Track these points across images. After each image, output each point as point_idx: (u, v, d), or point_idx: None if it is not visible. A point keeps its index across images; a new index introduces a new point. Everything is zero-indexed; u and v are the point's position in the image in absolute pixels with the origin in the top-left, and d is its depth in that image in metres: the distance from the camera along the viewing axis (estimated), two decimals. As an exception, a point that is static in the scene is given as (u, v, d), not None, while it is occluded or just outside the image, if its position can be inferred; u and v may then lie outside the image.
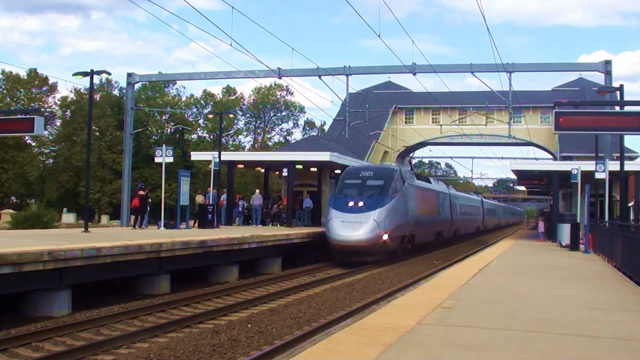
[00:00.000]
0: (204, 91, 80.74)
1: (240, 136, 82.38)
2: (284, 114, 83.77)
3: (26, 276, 12.09)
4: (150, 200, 26.76)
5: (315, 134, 77.46)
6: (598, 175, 24.54)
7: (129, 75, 38.81)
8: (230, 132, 78.94)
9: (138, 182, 45.20)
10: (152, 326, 11.90)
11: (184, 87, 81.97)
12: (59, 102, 71.24)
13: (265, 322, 12.30)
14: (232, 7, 24.60)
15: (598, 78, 38.58)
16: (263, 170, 39.90)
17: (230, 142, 78.01)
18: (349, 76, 35.84)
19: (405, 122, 57.10)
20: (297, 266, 23.82)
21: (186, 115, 75.27)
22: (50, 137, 71.15)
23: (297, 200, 32.75)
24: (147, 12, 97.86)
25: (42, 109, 61.90)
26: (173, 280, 16.78)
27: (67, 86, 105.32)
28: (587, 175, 26.49)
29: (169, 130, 74.89)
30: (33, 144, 69.40)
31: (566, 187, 36.25)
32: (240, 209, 32.82)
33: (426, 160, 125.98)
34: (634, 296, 11.09)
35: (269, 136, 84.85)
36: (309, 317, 13.15)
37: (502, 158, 75.31)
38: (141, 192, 25.85)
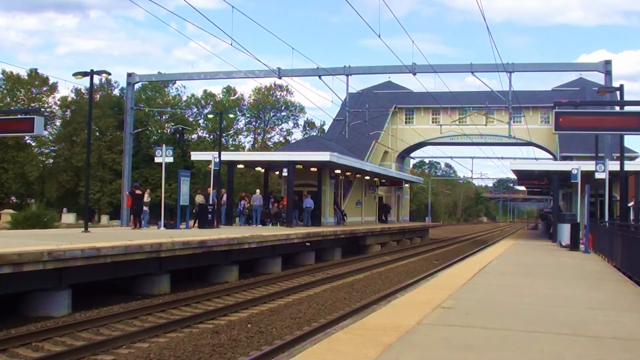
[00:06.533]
0: (204, 91, 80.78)
1: (240, 136, 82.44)
2: (283, 114, 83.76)
3: (26, 276, 12.09)
4: (148, 199, 26.68)
5: (315, 134, 77.42)
6: (598, 175, 24.53)
7: (129, 75, 38.79)
8: (231, 132, 78.90)
9: (138, 182, 45.24)
10: (152, 326, 11.89)
11: (184, 87, 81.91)
12: (59, 102, 71.25)
13: (265, 322, 12.30)
14: (232, 7, 24.61)
15: (598, 78, 38.59)
16: (263, 170, 39.89)
17: (230, 142, 77.97)
18: (349, 76, 35.85)
19: (405, 122, 57.07)
20: (297, 266, 23.82)
21: (186, 115, 75.23)
22: (50, 137, 71.09)
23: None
24: (146, 10, 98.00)
25: (42, 109, 61.82)
26: (173, 280, 16.77)
27: (67, 86, 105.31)
28: (587, 175, 26.48)
29: (169, 130, 74.83)
30: (33, 144, 69.36)
31: (566, 187, 36.25)
32: (241, 208, 32.83)
33: (426, 160, 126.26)
34: (634, 296, 11.08)
35: (269, 136, 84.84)
36: (309, 317, 13.15)
37: (502, 158, 75.27)
38: (137, 192, 25.85)
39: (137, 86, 46.84)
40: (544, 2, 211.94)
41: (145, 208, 26.26)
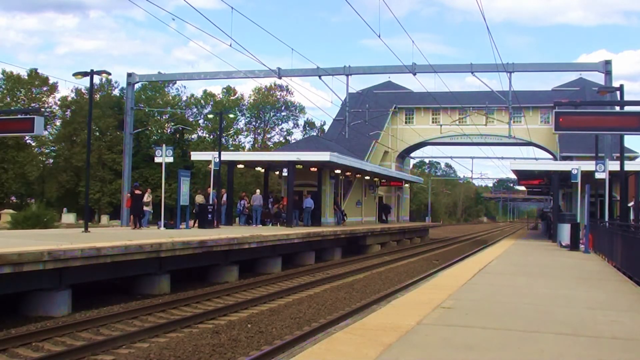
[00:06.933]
0: (204, 91, 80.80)
1: (240, 136, 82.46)
2: (283, 114, 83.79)
3: (26, 276, 12.09)
4: (149, 199, 26.60)
5: (315, 134, 77.41)
6: (598, 175, 24.53)
7: (129, 75, 38.79)
8: (231, 132, 78.90)
9: (138, 182, 45.22)
10: (152, 326, 11.90)
11: (184, 87, 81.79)
12: (59, 102, 71.26)
13: (265, 322, 12.30)
14: (232, 8, 24.59)
15: (598, 78, 38.58)
16: (263, 170, 39.89)
17: (230, 142, 77.97)
18: (349, 76, 35.84)
19: (405, 122, 57.06)
20: (297, 266, 23.81)
21: (186, 115, 75.23)
22: (50, 137, 71.10)
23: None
24: (146, 11, 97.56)
25: (42, 109, 61.79)
26: (173, 280, 16.77)
27: (67, 86, 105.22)
28: (587, 175, 26.47)
29: (169, 130, 74.83)
30: (33, 144, 69.36)
31: (566, 187, 36.23)
32: (241, 208, 32.83)
33: (426, 160, 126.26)
34: (634, 296, 11.08)
35: (269, 136, 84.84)
36: (309, 317, 13.15)
37: (502, 158, 75.28)
38: (137, 192, 25.82)
39: (137, 86, 46.83)
40: (544, 2, 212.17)
41: (146, 208, 26.19)
